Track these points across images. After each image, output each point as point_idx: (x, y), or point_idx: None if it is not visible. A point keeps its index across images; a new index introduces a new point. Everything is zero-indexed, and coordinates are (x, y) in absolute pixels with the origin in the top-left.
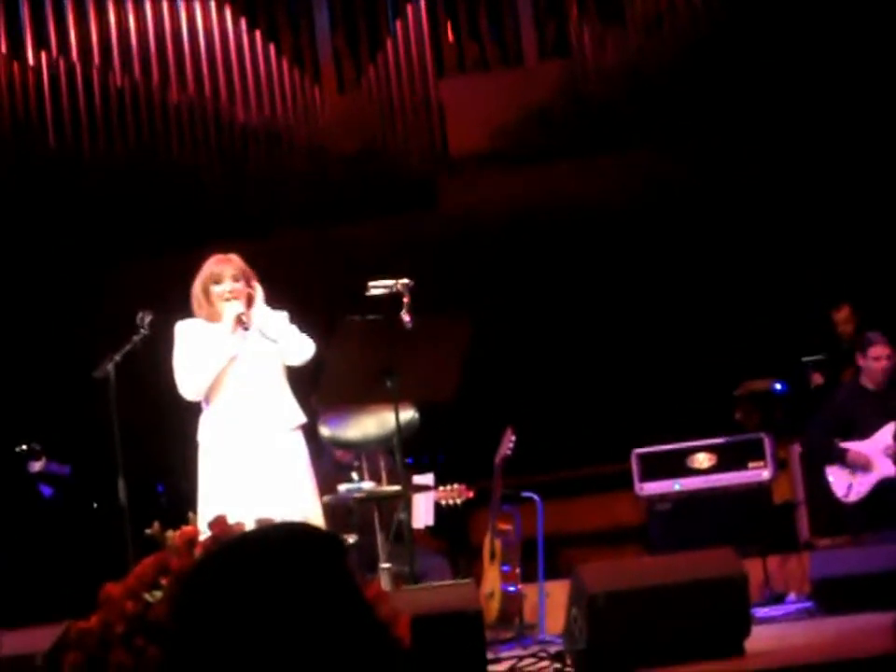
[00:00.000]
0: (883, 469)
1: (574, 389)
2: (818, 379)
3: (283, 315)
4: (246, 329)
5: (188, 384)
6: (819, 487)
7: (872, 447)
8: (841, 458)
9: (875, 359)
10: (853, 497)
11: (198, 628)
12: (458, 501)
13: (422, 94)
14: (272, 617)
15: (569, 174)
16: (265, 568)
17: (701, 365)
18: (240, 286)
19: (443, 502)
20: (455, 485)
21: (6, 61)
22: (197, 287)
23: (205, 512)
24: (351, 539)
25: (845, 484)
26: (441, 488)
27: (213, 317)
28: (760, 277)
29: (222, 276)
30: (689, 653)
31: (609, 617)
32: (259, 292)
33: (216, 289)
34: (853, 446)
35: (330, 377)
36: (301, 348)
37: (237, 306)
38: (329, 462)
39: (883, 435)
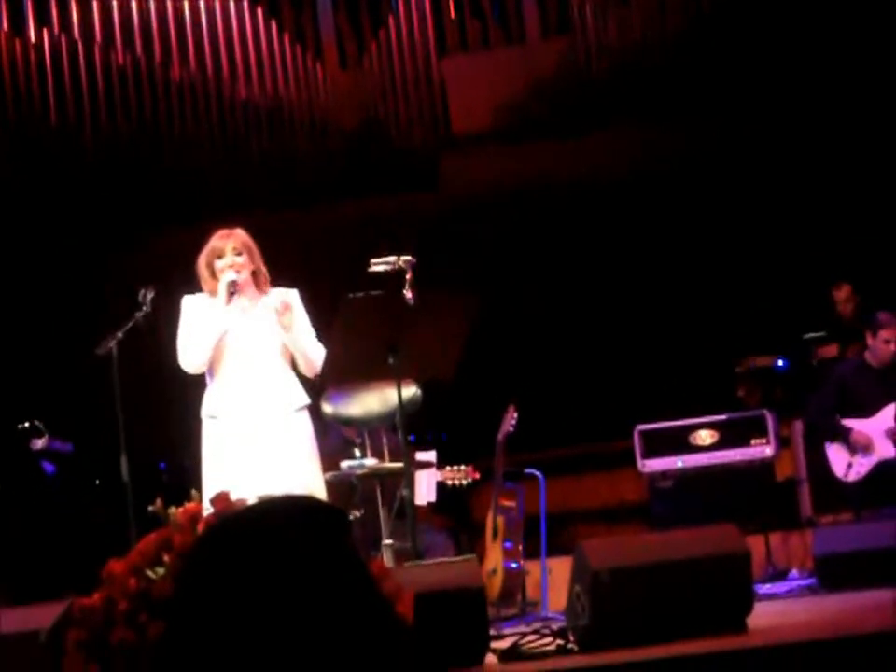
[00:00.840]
0: (883, 450)
1: (576, 366)
2: (829, 352)
3: (294, 294)
4: (233, 293)
5: (184, 357)
6: (822, 464)
7: (874, 427)
8: (844, 437)
9: (885, 342)
10: (852, 477)
11: (201, 604)
12: (464, 482)
13: (424, 72)
14: (274, 592)
15: (571, 151)
16: (268, 543)
17: (703, 342)
18: (242, 259)
19: (449, 482)
20: (462, 466)
21: (7, 38)
22: (201, 263)
23: (208, 489)
24: (355, 514)
25: (844, 464)
26: (448, 468)
27: (216, 291)
28: (761, 254)
29: (224, 250)
30: (691, 630)
31: (611, 593)
32: (295, 298)
33: (218, 264)
34: (856, 425)
35: (333, 354)
36: (311, 364)
37: (229, 275)
38: (338, 438)
39: (885, 416)
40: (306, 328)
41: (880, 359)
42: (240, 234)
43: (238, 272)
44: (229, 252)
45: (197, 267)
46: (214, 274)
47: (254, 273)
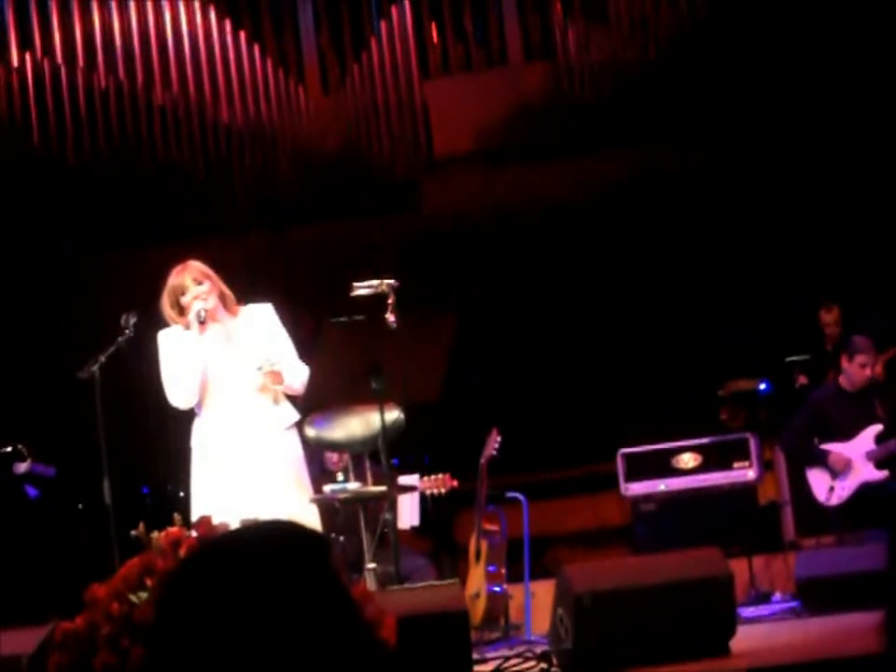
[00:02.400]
0: (864, 473)
1: (559, 390)
2: (802, 380)
3: (268, 308)
4: (203, 322)
5: (172, 393)
6: (804, 487)
7: (853, 450)
8: (822, 461)
9: (860, 366)
10: (835, 501)
11: (182, 628)
12: (443, 491)
13: (406, 95)
14: (256, 616)
15: (554, 174)
16: (249, 567)
17: (686, 365)
18: (205, 287)
19: (428, 492)
20: (440, 475)
21: None
22: (166, 305)
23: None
24: (338, 538)
25: (825, 488)
26: (426, 478)
27: (189, 326)
28: (745, 277)
29: (184, 285)
30: (675, 653)
31: (594, 617)
32: (270, 313)
33: (184, 299)
34: (834, 448)
35: (316, 378)
36: (295, 386)
37: (197, 305)
38: (318, 468)
39: (864, 438)
40: (286, 343)
41: (855, 384)
42: (195, 265)
43: (205, 300)
44: (190, 284)
45: (162, 309)
46: (182, 312)
47: (220, 298)
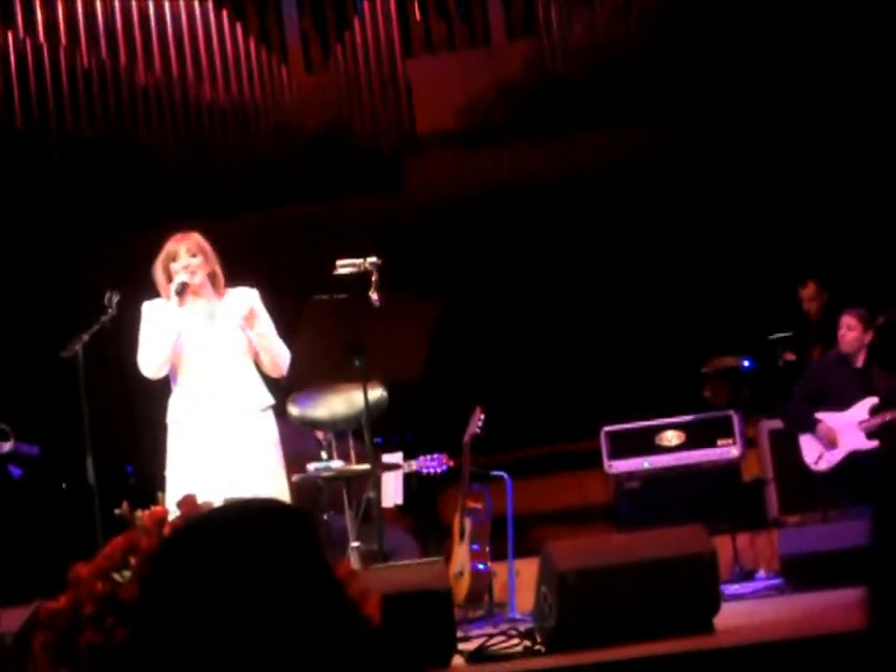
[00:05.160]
0: (853, 442)
1: (542, 367)
2: (790, 356)
3: (254, 293)
4: (181, 293)
5: (142, 362)
6: (788, 464)
7: (846, 419)
8: (811, 428)
9: (846, 328)
10: (823, 466)
11: (165, 606)
12: (439, 470)
13: (389, 74)
14: (240, 594)
15: (537, 153)
16: (233, 545)
17: (669, 342)
18: (197, 260)
19: (424, 471)
20: (436, 454)
21: None
22: (157, 268)
23: (173, 494)
24: (322, 516)
25: (815, 453)
26: (422, 457)
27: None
28: (727, 254)
29: (178, 253)
30: (658, 630)
31: (578, 594)
32: (256, 298)
33: (174, 266)
34: (827, 418)
35: (299, 356)
36: (277, 363)
37: (181, 277)
38: (312, 441)
39: (860, 408)
40: (270, 327)
41: (844, 349)
42: (195, 237)
43: (193, 272)
44: (183, 254)
45: (153, 272)
46: (171, 279)
47: (210, 276)
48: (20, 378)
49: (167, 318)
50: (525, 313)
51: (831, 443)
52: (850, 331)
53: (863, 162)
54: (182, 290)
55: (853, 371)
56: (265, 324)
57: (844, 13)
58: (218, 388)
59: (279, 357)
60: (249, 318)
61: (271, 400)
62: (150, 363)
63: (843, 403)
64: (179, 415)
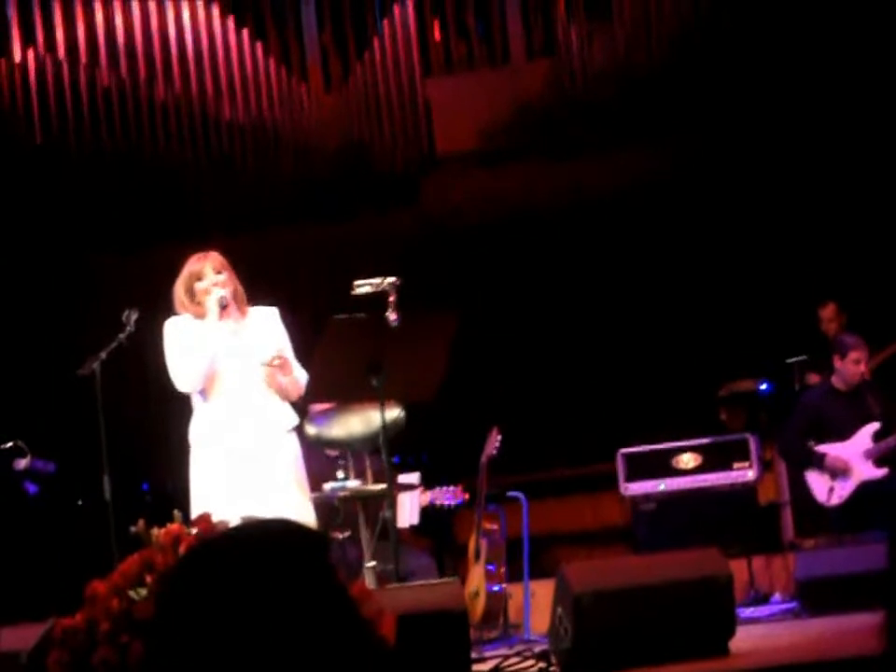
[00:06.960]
0: (863, 472)
1: (560, 389)
2: (813, 378)
3: (273, 311)
4: (225, 306)
5: (181, 376)
6: (804, 488)
7: (850, 450)
8: (819, 464)
9: (854, 362)
10: (835, 501)
11: (181, 624)
12: (453, 504)
13: (409, 93)
14: (254, 614)
15: (555, 173)
16: (247, 564)
17: (686, 365)
18: (223, 277)
19: (438, 503)
20: (451, 487)
21: None
22: (179, 289)
23: (197, 513)
24: (338, 536)
25: (825, 489)
26: (437, 488)
27: (200, 315)
28: (745, 277)
29: (203, 272)
30: (674, 653)
31: (594, 616)
32: (275, 316)
33: (199, 286)
34: (831, 450)
35: (317, 375)
36: (297, 387)
37: (218, 292)
38: (326, 460)
39: (862, 437)
40: (288, 348)
41: (848, 381)
42: (216, 256)
43: (225, 287)
44: (209, 272)
45: (174, 294)
46: (194, 299)
47: (234, 294)
48: (37, 395)
49: (206, 335)
50: (543, 334)
51: (844, 473)
52: (859, 365)
53: (881, 184)
54: (224, 304)
55: (846, 399)
56: (284, 344)
57: (870, 36)
58: (244, 407)
59: (299, 380)
60: (283, 367)
61: (295, 421)
62: (191, 377)
63: (842, 433)
64: (205, 434)
